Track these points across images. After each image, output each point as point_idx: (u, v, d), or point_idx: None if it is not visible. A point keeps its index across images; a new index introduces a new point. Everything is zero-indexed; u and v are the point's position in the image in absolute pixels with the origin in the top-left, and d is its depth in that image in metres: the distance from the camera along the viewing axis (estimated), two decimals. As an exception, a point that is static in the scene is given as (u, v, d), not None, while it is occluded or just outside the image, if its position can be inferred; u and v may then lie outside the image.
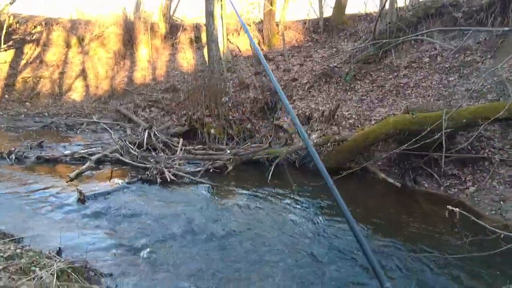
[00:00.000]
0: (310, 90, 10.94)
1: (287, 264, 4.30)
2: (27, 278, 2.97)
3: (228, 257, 4.41)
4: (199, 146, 8.96)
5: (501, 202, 6.13)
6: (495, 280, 3.95)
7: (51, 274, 3.16)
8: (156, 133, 8.97)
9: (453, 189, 6.97)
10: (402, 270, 4.17)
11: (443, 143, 5.89)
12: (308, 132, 9.18)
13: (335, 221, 5.56)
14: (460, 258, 3.51)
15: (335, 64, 12.27)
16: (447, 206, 3.13)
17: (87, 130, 12.03)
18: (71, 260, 3.65)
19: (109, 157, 8.02)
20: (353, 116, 9.15)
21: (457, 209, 2.96)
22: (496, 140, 7.16)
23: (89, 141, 10.27)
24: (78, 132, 11.86)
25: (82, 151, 8.44)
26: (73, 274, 3.38)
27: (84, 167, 7.34)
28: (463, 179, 7.05)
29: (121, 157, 7.92)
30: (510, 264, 4.09)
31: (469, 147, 7.33)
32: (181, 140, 8.82)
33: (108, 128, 10.89)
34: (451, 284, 3.88)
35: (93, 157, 7.77)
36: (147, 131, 9.04)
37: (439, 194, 6.95)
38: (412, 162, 7.66)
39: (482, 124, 6.54)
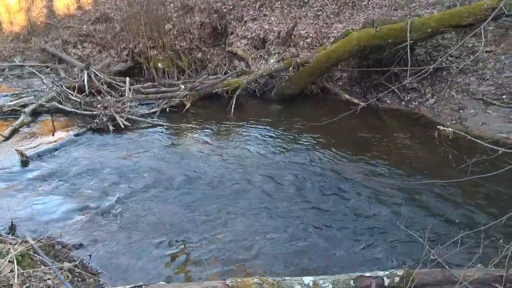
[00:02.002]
0: (262, 8, 10.02)
1: (258, 200, 4.19)
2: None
3: (200, 202, 4.17)
4: (148, 84, 8.08)
5: (460, 111, 6.32)
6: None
7: (9, 261, 2.69)
8: (97, 73, 7.88)
9: (414, 103, 7.06)
10: (394, 198, 4.16)
11: (408, 56, 5.71)
12: (265, 57, 8.61)
13: (301, 149, 5.44)
14: (457, 182, 3.43)
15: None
16: (438, 127, 2.95)
17: (10, 77, 10.39)
18: (30, 238, 3.16)
19: (45, 106, 7.01)
20: (311, 34, 8.61)
21: (450, 129, 2.80)
22: (453, 48, 7.12)
23: (17, 89, 8.89)
24: (0, 79, 10.21)
25: (11, 102, 7.26)
26: (36, 255, 2.93)
27: (18, 121, 6.38)
28: (423, 92, 7.12)
29: (60, 106, 6.95)
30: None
31: (428, 58, 7.32)
32: (127, 79, 7.86)
33: (36, 72, 9.47)
34: (454, 208, 3.89)
35: (27, 109, 6.74)
36: (85, 71, 7.91)
37: (401, 109, 7.03)
38: (373, 80, 7.56)
39: (443, 33, 6.46)
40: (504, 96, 6.09)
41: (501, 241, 2.57)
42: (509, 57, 6.52)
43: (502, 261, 2.47)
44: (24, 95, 7.99)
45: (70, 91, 7.32)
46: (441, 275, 2.58)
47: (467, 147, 4.34)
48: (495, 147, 2.50)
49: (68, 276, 2.79)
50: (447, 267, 2.55)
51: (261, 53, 8.80)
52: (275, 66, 7.70)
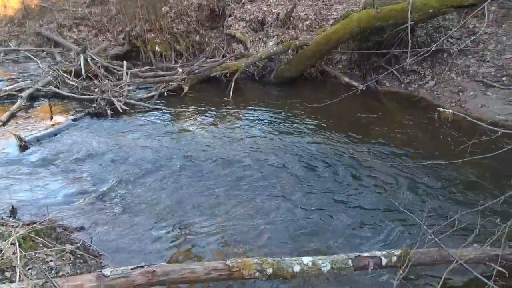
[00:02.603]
0: (260, -10, 9.85)
1: (259, 182, 4.20)
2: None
3: (200, 185, 4.18)
4: (146, 68, 8.01)
5: (460, 93, 6.29)
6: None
7: (11, 244, 2.71)
8: (94, 56, 7.78)
9: (413, 85, 7.03)
10: (393, 179, 4.18)
11: (409, 37, 5.64)
12: (264, 39, 8.50)
13: (300, 131, 5.44)
14: (456, 163, 3.43)
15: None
16: (438, 108, 2.93)
17: (6, 61, 10.27)
18: (31, 221, 3.18)
19: (42, 91, 6.95)
20: (310, 16, 8.49)
21: (450, 111, 2.78)
22: (454, 29, 7.03)
23: (13, 74, 8.80)
24: (-5, 64, 10.10)
25: (8, 87, 7.18)
26: (38, 237, 2.95)
27: (15, 106, 6.33)
28: (423, 74, 7.08)
29: (57, 90, 6.89)
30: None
31: (428, 40, 7.24)
32: (124, 62, 7.77)
33: (32, 57, 9.32)
34: (454, 189, 3.93)
35: (24, 93, 6.68)
36: (81, 55, 7.81)
37: (401, 92, 7.00)
38: (373, 62, 7.50)
39: (445, 14, 6.36)
40: (504, 78, 6.06)
41: (497, 220, 2.59)
42: (510, 38, 6.46)
43: (498, 240, 2.50)
44: (21, 79, 7.92)
45: (66, 75, 7.24)
46: (437, 254, 2.61)
47: (466, 129, 4.34)
48: (495, 128, 2.50)
49: (70, 258, 2.83)
50: (443, 246, 2.59)
51: (260, 36, 8.69)
52: (274, 49, 7.61)
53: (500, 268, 2.54)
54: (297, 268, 2.46)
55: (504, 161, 4.10)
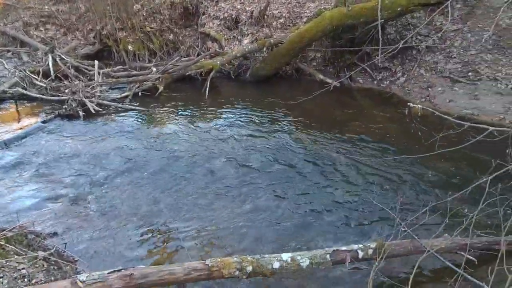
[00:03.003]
0: (233, -13, 9.82)
1: (235, 181, 4.21)
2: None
3: (176, 186, 4.15)
4: (118, 67, 7.81)
5: (429, 89, 6.52)
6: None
7: (-21, 253, 2.60)
8: (63, 56, 7.52)
9: (385, 82, 7.22)
10: (366, 174, 4.30)
11: (379, 35, 5.78)
12: (239, 37, 8.49)
13: (276, 129, 5.49)
14: (426, 157, 3.54)
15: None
16: (408, 104, 3.04)
17: (-32, 62, 9.75)
18: (1, 228, 3.06)
19: (9, 93, 6.65)
20: (284, 14, 8.55)
21: (419, 106, 2.89)
22: (420, 26, 7.25)
23: (-24, 75, 8.38)
24: (-43, 65, 9.56)
25: (-29, 89, 6.84)
26: (8, 245, 2.85)
27: (-21, 109, 6.04)
28: (394, 71, 7.29)
29: (25, 91, 6.61)
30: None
31: (398, 37, 7.45)
32: (96, 62, 7.55)
33: (-4, 57, 8.91)
34: (426, 183, 4.05)
35: (-12, 96, 6.39)
36: (49, 55, 7.51)
37: (374, 88, 7.18)
38: (346, 60, 7.65)
39: (413, 11, 6.56)
40: (470, 74, 6.33)
41: (465, 210, 2.72)
42: (474, 35, 6.74)
43: (467, 229, 2.62)
44: (-15, 81, 7.55)
45: (34, 76, 6.96)
46: (410, 245, 2.72)
47: (435, 123, 4.50)
48: (462, 122, 2.61)
49: (43, 265, 2.74)
50: (416, 237, 2.69)
51: (234, 34, 8.68)
52: (249, 47, 7.62)
53: (469, 256, 2.67)
54: (276, 265, 2.49)
55: (470, 153, 4.29)
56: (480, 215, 2.59)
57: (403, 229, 2.68)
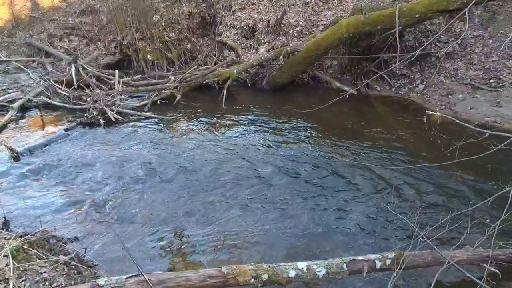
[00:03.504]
0: (250, -3, 9.96)
1: (252, 189, 4.21)
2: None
3: (194, 193, 4.18)
4: (138, 76, 8.01)
5: (449, 96, 6.39)
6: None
7: (4, 256, 2.69)
8: (85, 66, 7.77)
9: (403, 89, 7.13)
10: (384, 183, 4.23)
11: (397, 42, 5.75)
12: (255, 46, 8.57)
13: (294, 137, 5.48)
14: (445, 166, 3.46)
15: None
16: (426, 112, 2.99)
17: (-4, 72, 10.19)
18: (24, 233, 3.16)
19: (34, 101, 6.92)
20: (300, 23, 8.59)
21: (438, 113, 2.84)
22: (439, 33, 7.15)
23: (4, 85, 8.72)
24: (-14, 75, 10.00)
25: (-1, 98, 7.13)
26: (31, 249, 2.93)
27: (6, 117, 6.28)
28: (412, 78, 7.19)
29: (49, 100, 6.86)
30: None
31: (416, 44, 7.36)
32: (116, 71, 7.76)
33: (23, 67, 9.29)
34: (448, 193, 3.96)
35: (15, 104, 6.63)
36: (72, 65, 7.79)
37: (391, 96, 7.09)
38: (364, 67, 7.60)
39: (431, 18, 6.49)
40: (491, 80, 6.18)
41: (487, 221, 2.64)
42: (496, 41, 6.60)
43: (489, 240, 2.55)
44: (11, 90, 7.85)
45: (58, 85, 7.21)
46: (430, 256, 2.65)
47: (455, 131, 4.40)
48: (482, 130, 2.56)
49: (64, 269, 2.81)
50: (436, 248, 2.62)
51: (251, 43, 8.77)
52: (265, 55, 7.68)
53: (492, 268, 2.58)
54: (292, 274, 2.48)
55: (491, 162, 4.18)
56: (503, 226, 2.51)
57: (422, 240, 2.62)
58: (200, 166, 4.74)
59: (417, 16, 5.98)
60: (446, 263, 2.43)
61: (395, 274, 2.42)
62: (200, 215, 3.80)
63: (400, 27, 6.18)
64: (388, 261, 2.59)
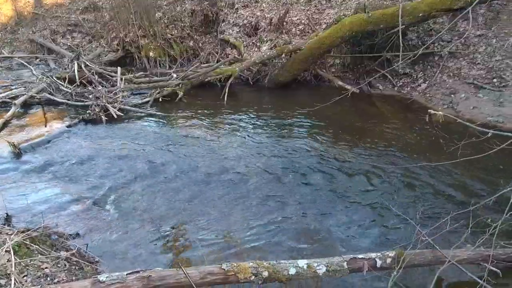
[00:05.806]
0: (253, -5, 9.93)
1: (254, 187, 4.22)
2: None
3: (196, 190, 4.19)
4: (140, 73, 8.01)
5: (452, 95, 6.37)
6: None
7: (6, 251, 2.70)
8: (87, 63, 7.78)
9: (406, 88, 7.11)
10: (385, 181, 4.24)
11: (400, 41, 5.71)
12: (258, 44, 8.55)
13: (296, 135, 5.47)
14: (447, 165, 3.44)
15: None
16: (429, 111, 2.98)
17: (-1, 69, 10.21)
18: (26, 228, 3.17)
19: (36, 98, 6.92)
20: (303, 21, 8.57)
21: (441, 113, 2.83)
22: (442, 31, 7.12)
23: (7, 81, 8.74)
24: (-11, 72, 10.02)
25: (1, 94, 7.14)
26: (33, 244, 2.94)
27: (9, 114, 6.29)
28: (415, 77, 7.16)
29: (51, 97, 6.87)
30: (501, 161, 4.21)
31: (419, 43, 7.33)
32: (119, 68, 7.77)
33: (25, 64, 9.31)
34: (450, 191, 3.95)
35: (18, 101, 6.64)
36: (75, 62, 7.81)
37: (394, 95, 7.07)
38: (366, 66, 7.58)
39: (435, 17, 6.45)
40: (494, 80, 6.15)
41: (489, 220, 2.63)
42: (499, 40, 6.56)
43: (491, 239, 2.54)
44: (14, 86, 7.87)
45: (60, 82, 7.23)
46: (431, 255, 2.65)
47: (457, 131, 4.40)
48: (485, 129, 2.55)
49: (65, 265, 2.82)
50: (437, 247, 2.62)
51: (254, 41, 8.75)
52: (268, 53, 7.66)
53: (492, 268, 2.58)
54: (292, 271, 2.48)
55: (494, 162, 4.16)
56: (504, 225, 2.51)
57: (423, 238, 2.61)
58: (201, 163, 4.75)
59: (420, 15, 5.95)
60: (447, 262, 2.43)
61: (395, 273, 2.42)
62: (200, 211, 3.81)
63: (403, 26, 6.15)
64: (388, 260, 2.59)
